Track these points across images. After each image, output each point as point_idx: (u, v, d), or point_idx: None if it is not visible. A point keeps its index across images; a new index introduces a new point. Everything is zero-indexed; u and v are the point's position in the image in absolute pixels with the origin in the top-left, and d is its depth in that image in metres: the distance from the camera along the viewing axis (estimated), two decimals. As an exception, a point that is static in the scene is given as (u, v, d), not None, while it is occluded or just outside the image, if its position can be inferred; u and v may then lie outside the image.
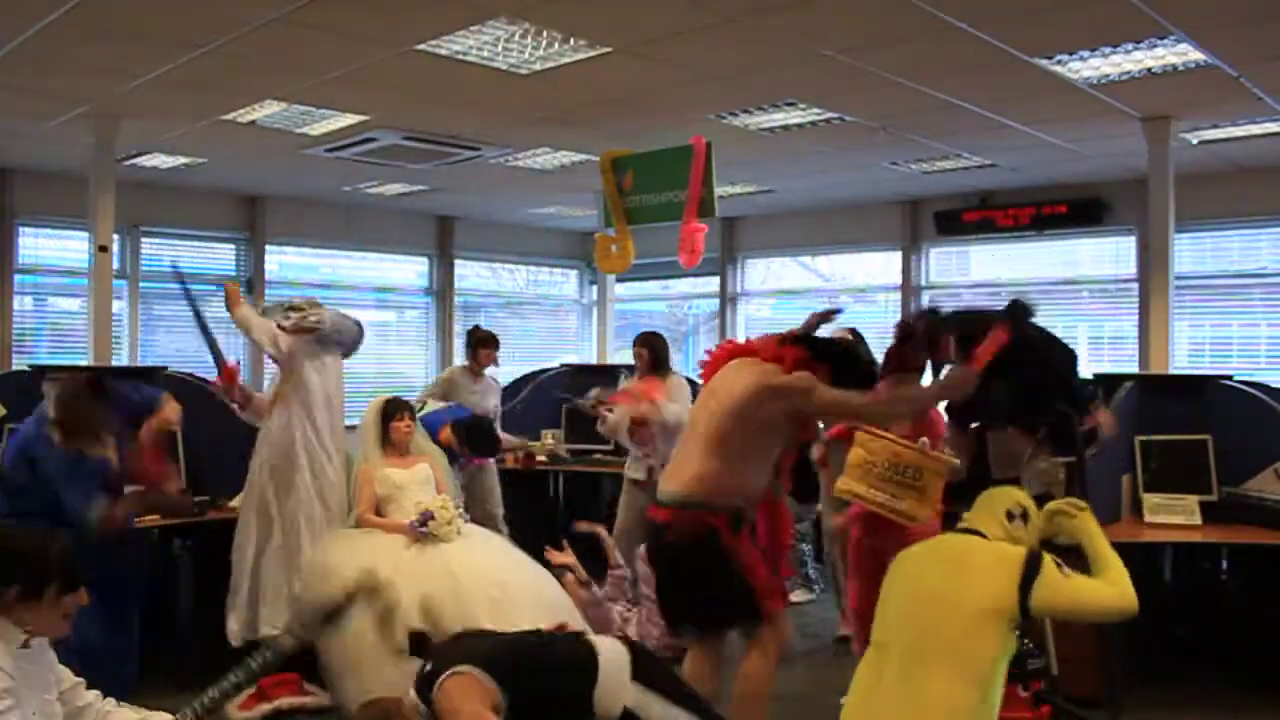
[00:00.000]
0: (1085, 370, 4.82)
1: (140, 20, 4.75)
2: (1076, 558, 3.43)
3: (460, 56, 5.23)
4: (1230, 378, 5.27)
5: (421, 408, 5.51)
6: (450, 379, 6.38)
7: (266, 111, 6.40)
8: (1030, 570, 2.61)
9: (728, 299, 11.15)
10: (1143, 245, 7.87)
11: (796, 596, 6.18)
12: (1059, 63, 5.27)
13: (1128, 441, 4.86)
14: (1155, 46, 5.01)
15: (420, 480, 4.68)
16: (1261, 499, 4.56)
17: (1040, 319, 4.47)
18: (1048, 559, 2.66)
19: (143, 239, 9.20)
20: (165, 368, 5.90)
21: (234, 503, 4.96)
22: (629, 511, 5.93)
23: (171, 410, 4.13)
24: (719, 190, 5.88)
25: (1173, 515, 4.56)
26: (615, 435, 5.94)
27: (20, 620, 2.29)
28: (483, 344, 6.32)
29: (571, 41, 5.04)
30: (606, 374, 7.24)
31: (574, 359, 11.43)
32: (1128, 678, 4.37)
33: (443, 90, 5.94)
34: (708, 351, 3.86)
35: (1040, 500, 3.12)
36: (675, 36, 4.92)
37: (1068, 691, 3.92)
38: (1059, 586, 2.62)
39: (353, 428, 5.01)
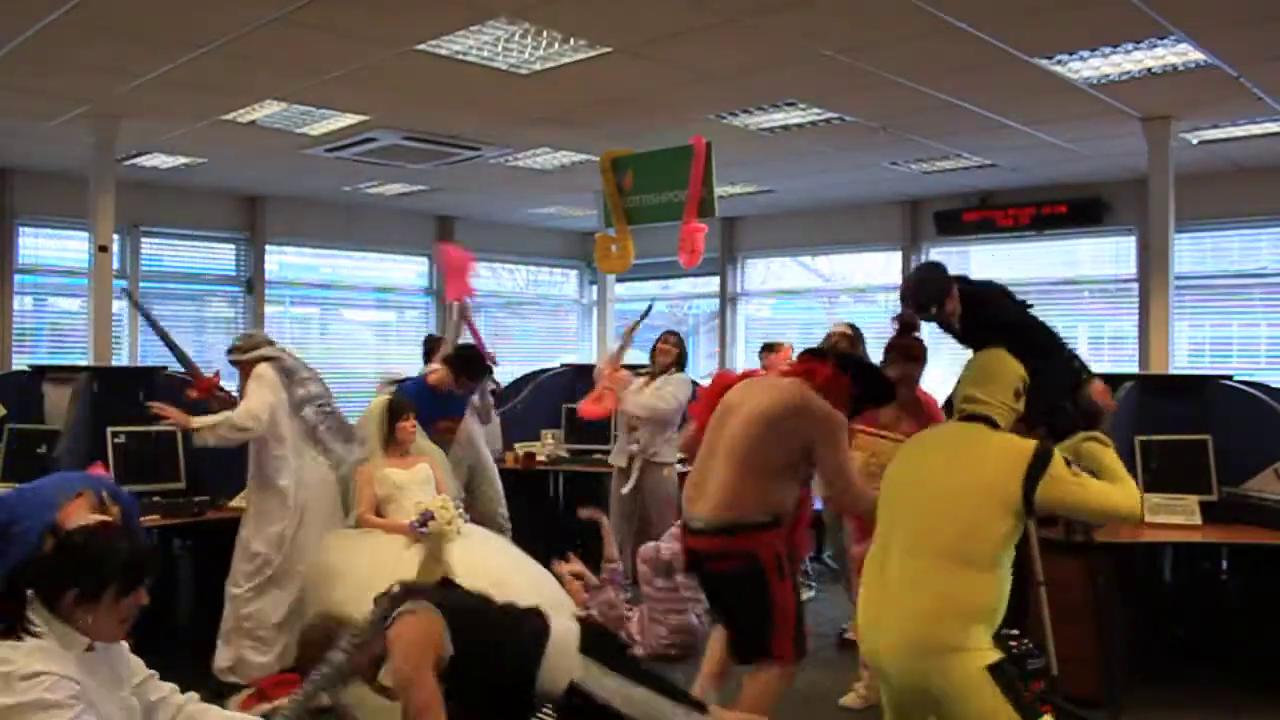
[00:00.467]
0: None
1: (140, 20, 4.75)
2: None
3: (460, 56, 5.24)
4: (1230, 378, 5.27)
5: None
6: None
7: (266, 111, 6.40)
8: (1038, 463, 2.57)
9: (728, 299, 11.15)
10: (1143, 245, 7.87)
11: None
12: (1059, 63, 5.27)
13: (1128, 441, 4.87)
14: (1155, 46, 5.01)
15: (420, 480, 4.68)
16: (1261, 499, 4.56)
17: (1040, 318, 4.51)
18: (1058, 455, 2.62)
19: (143, 239, 9.21)
20: (165, 368, 5.90)
21: (234, 503, 4.96)
22: (618, 502, 5.98)
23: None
24: (719, 190, 5.87)
25: (1173, 515, 4.56)
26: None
27: (81, 624, 2.26)
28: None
29: (571, 41, 5.04)
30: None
31: (574, 359, 11.42)
32: (1128, 678, 4.37)
33: (443, 90, 5.94)
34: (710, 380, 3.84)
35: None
36: (675, 36, 4.92)
37: (1068, 691, 3.91)
38: (1066, 483, 2.58)
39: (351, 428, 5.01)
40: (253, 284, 9.81)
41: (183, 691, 2.55)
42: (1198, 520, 4.52)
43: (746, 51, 5.17)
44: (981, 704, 2.47)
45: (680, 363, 6.01)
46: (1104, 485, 2.64)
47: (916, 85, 5.68)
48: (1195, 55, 5.11)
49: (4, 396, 5.14)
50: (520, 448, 7.10)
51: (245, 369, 4.62)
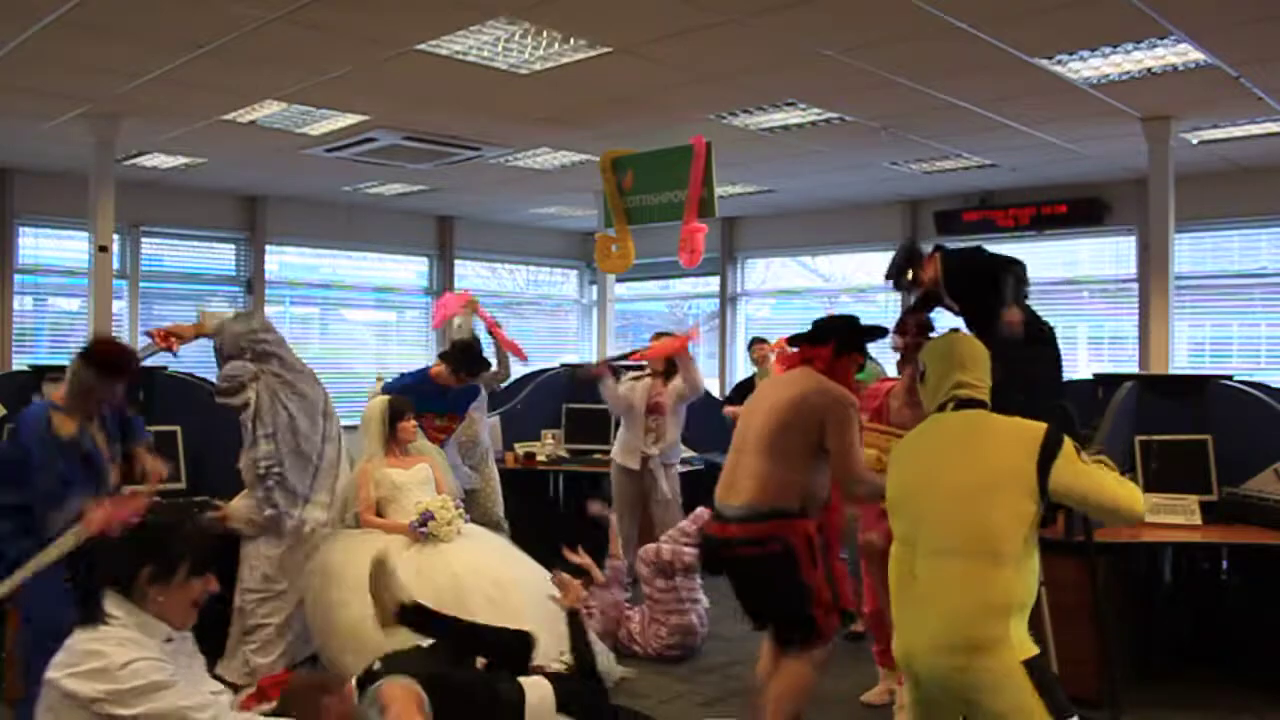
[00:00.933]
0: (1085, 370, 4.84)
1: (140, 20, 4.75)
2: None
3: (460, 56, 5.24)
4: (1230, 378, 5.27)
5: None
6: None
7: (266, 111, 6.40)
8: (1050, 447, 2.54)
9: (728, 299, 11.15)
10: (1143, 245, 7.87)
11: None
12: (1059, 63, 5.27)
13: (1128, 441, 4.87)
14: (1155, 46, 5.01)
15: (420, 480, 4.68)
16: (1261, 499, 4.56)
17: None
18: (1068, 439, 2.59)
19: (143, 239, 9.21)
20: (165, 367, 5.89)
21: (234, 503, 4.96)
22: (622, 501, 5.97)
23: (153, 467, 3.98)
24: (719, 190, 5.87)
25: (1173, 515, 4.56)
26: (616, 401, 6.05)
27: (153, 603, 2.29)
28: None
29: (571, 41, 5.04)
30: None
31: (574, 359, 11.43)
32: (1128, 678, 4.37)
33: (443, 90, 5.94)
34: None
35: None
36: (675, 36, 4.92)
37: (1067, 692, 3.91)
38: (1077, 466, 2.54)
39: (351, 428, 5.00)
40: (253, 284, 9.81)
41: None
42: (1198, 520, 4.52)
43: (746, 51, 5.17)
44: (1018, 700, 2.44)
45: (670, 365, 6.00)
46: (1112, 480, 2.62)
47: (916, 85, 5.68)
48: (1195, 55, 5.11)
49: (4, 396, 5.13)
50: (520, 448, 7.10)
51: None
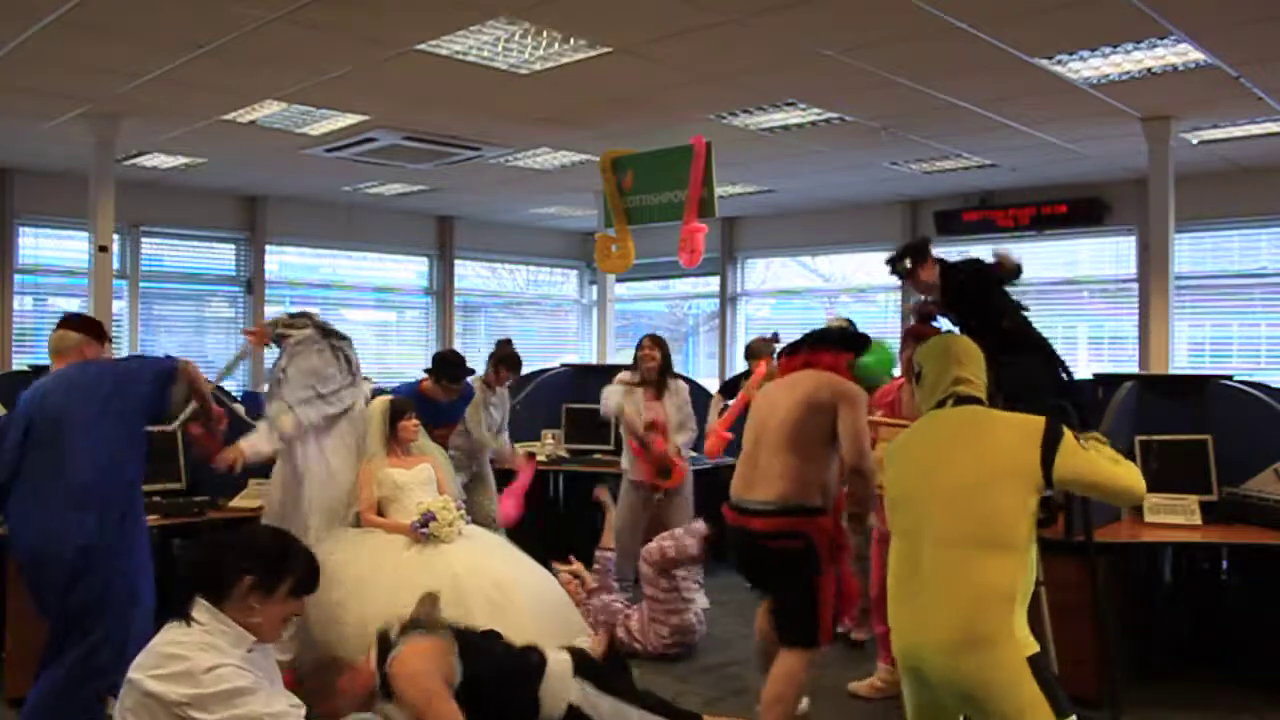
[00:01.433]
0: (1085, 370, 4.85)
1: (140, 20, 4.75)
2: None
3: (460, 56, 5.24)
4: (1230, 378, 5.26)
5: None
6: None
7: (266, 111, 6.40)
8: (1052, 439, 2.55)
9: (728, 299, 11.15)
10: (1143, 245, 7.87)
11: None
12: (1059, 63, 5.27)
13: (1128, 441, 4.87)
14: (1155, 46, 5.01)
15: (422, 481, 4.67)
16: (1261, 499, 4.56)
17: (1041, 319, 4.56)
18: (1067, 430, 2.60)
19: (143, 239, 9.22)
20: (165, 368, 5.88)
21: (234, 503, 4.96)
22: (627, 511, 5.94)
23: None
24: (719, 190, 5.87)
25: (1173, 515, 4.56)
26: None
27: (249, 611, 2.29)
28: (505, 363, 6.06)
29: (571, 41, 5.04)
30: (606, 374, 7.23)
31: (574, 359, 11.44)
32: (1128, 678, 4.37)
33: (443, 90, 5.94)
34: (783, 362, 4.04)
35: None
36: (675, 36, 4.93)
37: (1067, 692, 3.91)
38: (1080, 455, 2.56)
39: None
40: (253, 284, 9.81)
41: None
42: (1198, 520, 4.52)
43: (746, 51, 5.17)
44: (1021, 698, 2.44)
45: (666, 367, 5.90)
46: (1112, 465, 2.63)
47: (916, 85, 5.68)
48: (1195, 55, 5.11)
49: (4, 396, 5.12)
50: (520, 448, 7.09)
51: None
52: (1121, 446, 4.79)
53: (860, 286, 10.51)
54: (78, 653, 3.41)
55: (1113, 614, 4.18)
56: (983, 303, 4.31)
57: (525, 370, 8.00)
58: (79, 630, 3.40)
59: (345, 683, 2.87)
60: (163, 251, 9.48)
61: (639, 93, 5.93)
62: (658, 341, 5.98)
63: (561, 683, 3.07)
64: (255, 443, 4.36)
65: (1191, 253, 8.37)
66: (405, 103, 6.26)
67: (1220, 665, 4.79)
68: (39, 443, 3.50)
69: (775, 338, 6.20)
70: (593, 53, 5.17)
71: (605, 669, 3.34)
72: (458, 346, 11.25)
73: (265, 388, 4.62)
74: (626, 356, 6.43)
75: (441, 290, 11.22)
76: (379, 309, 11.15)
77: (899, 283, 8.21)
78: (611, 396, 5.92)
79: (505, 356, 6.09)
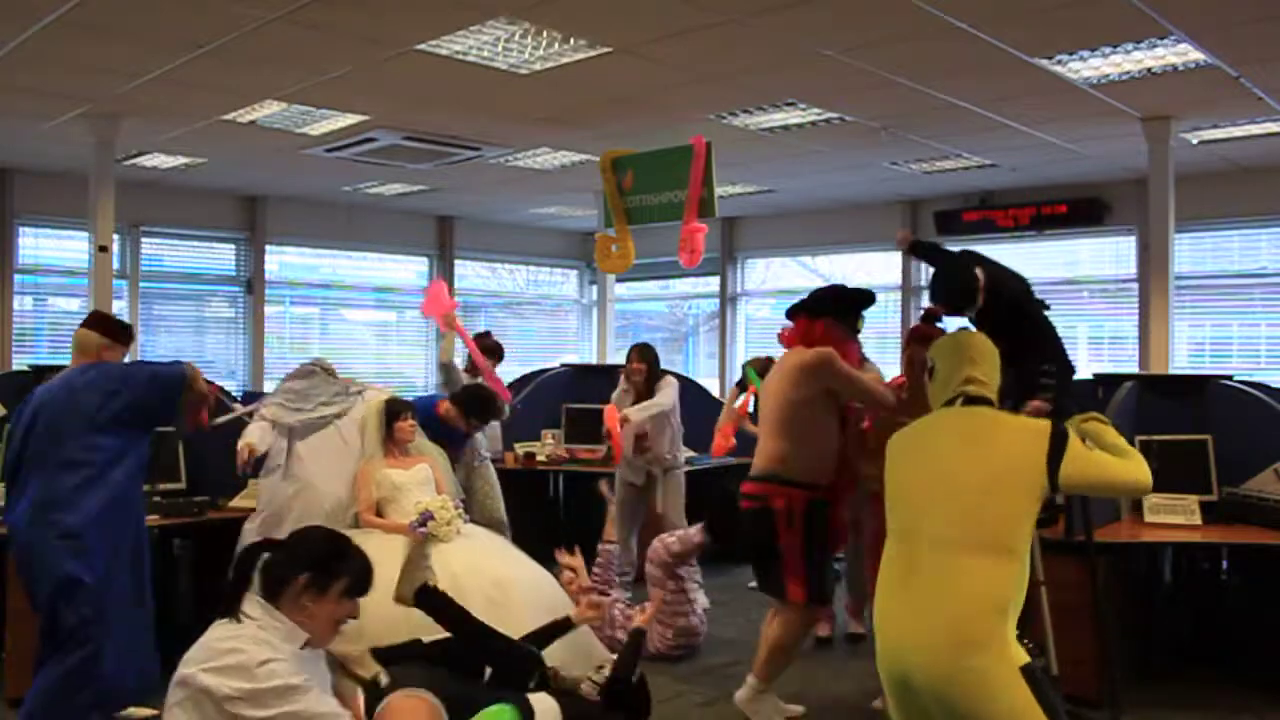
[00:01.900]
0: (1085, 370, 4.85)
1: (140, 20, 4.75)
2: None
3: (460, 56, 5.24)
4: (1230, 378, 5.26)
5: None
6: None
7: (266, 111, 6.40)
8: (1058, 443, 2.54)
9: (728, 299, 11.15)
10: (1143, 245, 7.87)
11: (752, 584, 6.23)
12: (1059, 63, 5.27)
13: (1128, 442, 4.86)
14: (1155, 46, 5.01)
15: (420, 481, 4.67)
16: (1261, 499, 4.56)
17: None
18: (1072, 432, 2.60)
19: (143, 239, 9.22)
20: (165, 368, 5.88)
21: (234, 503, 4.96)
22: (625, 513, 5.95)
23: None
24: (719, 190, 5.86)
25: (1173, 515, 4.56)
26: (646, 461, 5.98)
27: (302, 611, 2.29)
28: (488, 353, 6.14)
29: (571, 41, 5.04)
30: (606, 374, 7.24)
31: (574, 359, 11.43)
32: (1128, 678, 4.37)
33: (443, 90, 5.94)
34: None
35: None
36: (675, 36, 4.93)
37: (1067, 692, 3.91)
38: (1086, 459, 2.56)
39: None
40: (253, 284, 9.82)
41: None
42: (1198, 520, 4.52)
43: (746, 51, 5.17)
44: (1009, 709, 2.40)
45: (652, 374, 5.93)
46: (1118, 460, 2.63)
47: (916, 85, 5.68)
48: (1195, 55, 5.11)
49: (4, 396, 5.13)
50: (520, 448, 7.09)
51: None
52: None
53: (860, 286, 10.49)
54: (79, 655, 3.42)
55: (1113, 614, 4.18)
56: (1017, 313, 4.30)
57: (525, 370, 8.03)
58: (71, 635, 3.42)
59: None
60: (163, 251, 9.48)
61: (639, 93, 5.93)
62: (644, 355, 5.99)
63: None
64: (257, 434, 4.48)
65: (1191, 253, 8.37)
66: (405, 103, 6.26)
67: (1220, 665, 4.79)
68: (36, 444, 3.53)
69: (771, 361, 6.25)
70: (593, 53, 5.17)
71: (589, 709, 3.31)
72: (458, 346, 11.25)
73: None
74: (616, 357, 6.43)
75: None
76: (379, 309, 11.15)
77: (899, 282, 8.27)
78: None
79: (490, 347, 6.14)
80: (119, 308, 8.51)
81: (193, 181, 8.84)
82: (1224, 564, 5.01)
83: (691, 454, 6.72)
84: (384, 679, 3.03)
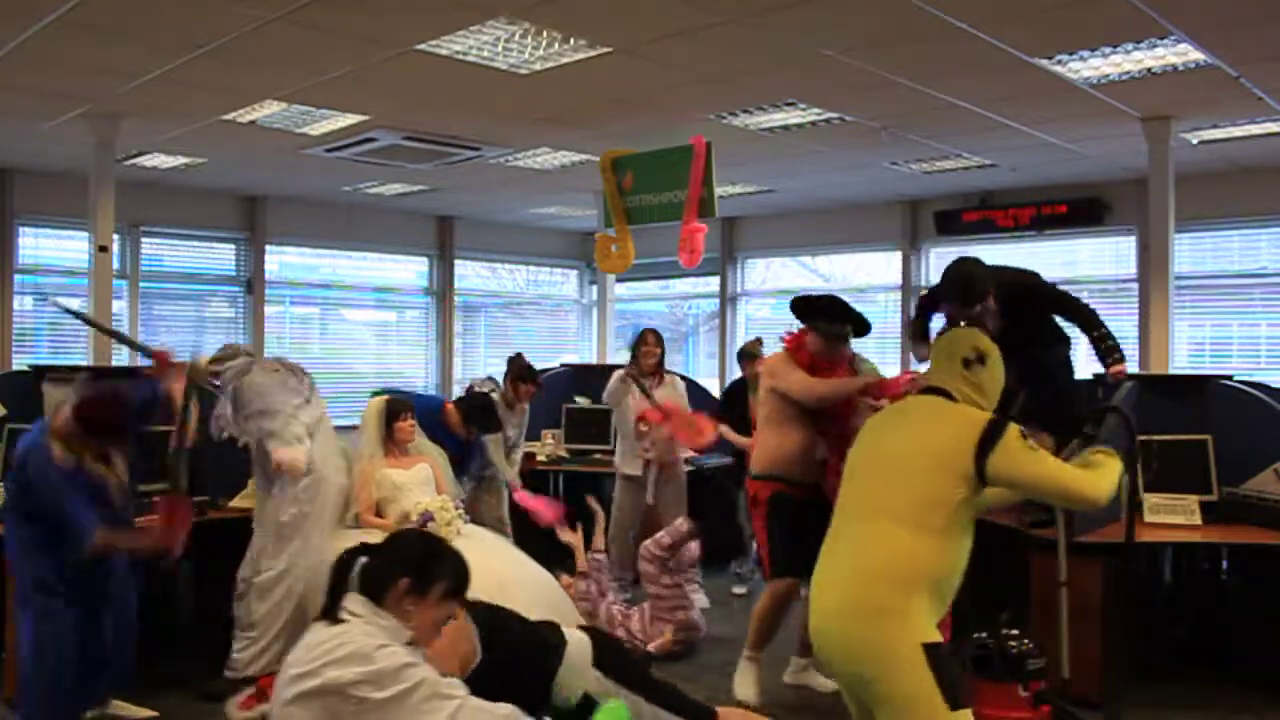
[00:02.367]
0: (1085, 370, 4.86)
1: (140, 20, 4.75)
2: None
3: (460, 56, 5.24)
4: (1230, 378, 5.27)
5: None
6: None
7: (266, 111, 6.40)
8: (990, 434, 2.52)
9: (728, 299, 11.15)
10: (1143, 245, 7.87)
11: (736, 590, 6.26)
12: (1059, 63, 5.27)
13: (1130, 441, 4.86)
14: (1155, 46, 5.01)
15: (420, 481, 4.68)
16: (1261, 499, 4.56)
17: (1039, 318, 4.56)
18: (1013, 428, 2.56)
19: (143, 239, 9.22)
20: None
21: (234, 503, 4.96)
22: (626, 508, 5.96)
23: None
24: (719, 190, 5.87)
25: (1173, 515, 4.56)
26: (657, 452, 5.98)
27: (405, 615, 2.31)
28: (521, 379, 6.06)
29: (571, 41, 5.04)
30: (606, 374, 7.24)
31: (574, 359, 11.43)
32: (1128, 678, 4.37)
33: (443, 90, 5.94)
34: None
35: None
36: (675, 36, 4.92)
37: (1068, 692, 3.91)
38: (1020, 456, 2.51)
39: (352, 428, 5.00)
40: (253, 284, 9.82)
41: (186, 690, 2.57)
42: (1198, 520, 4.52)
43: (746, 51, 5.17)
44: (907, 684, 2.38)
45: (662, 362, 6.03)
46: (1063, 466, 2.58)
47: (916, 85, 5.68)
48: (1195, 55, 5.11)
49: (4, 396, 5.13)
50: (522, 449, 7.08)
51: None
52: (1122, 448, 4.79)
53: (860, 286, 10.50)
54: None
55: (1113, 614, 4.18)
56: (1033, 324, 4.36)
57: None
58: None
59: None
60: (163, 251, 9.48)
61: (639, 93, 5.93)
62: (660, 338, 6.09)
63: (579, 670, 3.00)
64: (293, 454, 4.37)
65: (1191, 253, 8.37)
66: (405, 103, 6.26)
67: (1220, 665, 4.79)
68: None
69: (760, 342, 6.30)
70: (593, 53, 5.17)
71: (624, 659, 3.29)
72: (458, 346, 11.28)
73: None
74: (627, 357, 6.43)
75: (441, 290, 11.23)
76: (379, 309, 11.15)
77: (899, 282, 8.27)
78: (612, 387, 6.04)
79: (523, 372, 6.04)
80: (119, 308, 8.52)
81: (193, 181, 8.84)
82: (1224, 564, 5.02)
83: (691, 454, 6.72)
84: None
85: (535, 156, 7.83)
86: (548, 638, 3.09)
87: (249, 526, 4.57)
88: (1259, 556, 4.58)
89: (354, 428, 4.97)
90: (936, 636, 2.46)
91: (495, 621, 3.00)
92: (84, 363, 6.88)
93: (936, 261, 9.84)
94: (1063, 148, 7.24)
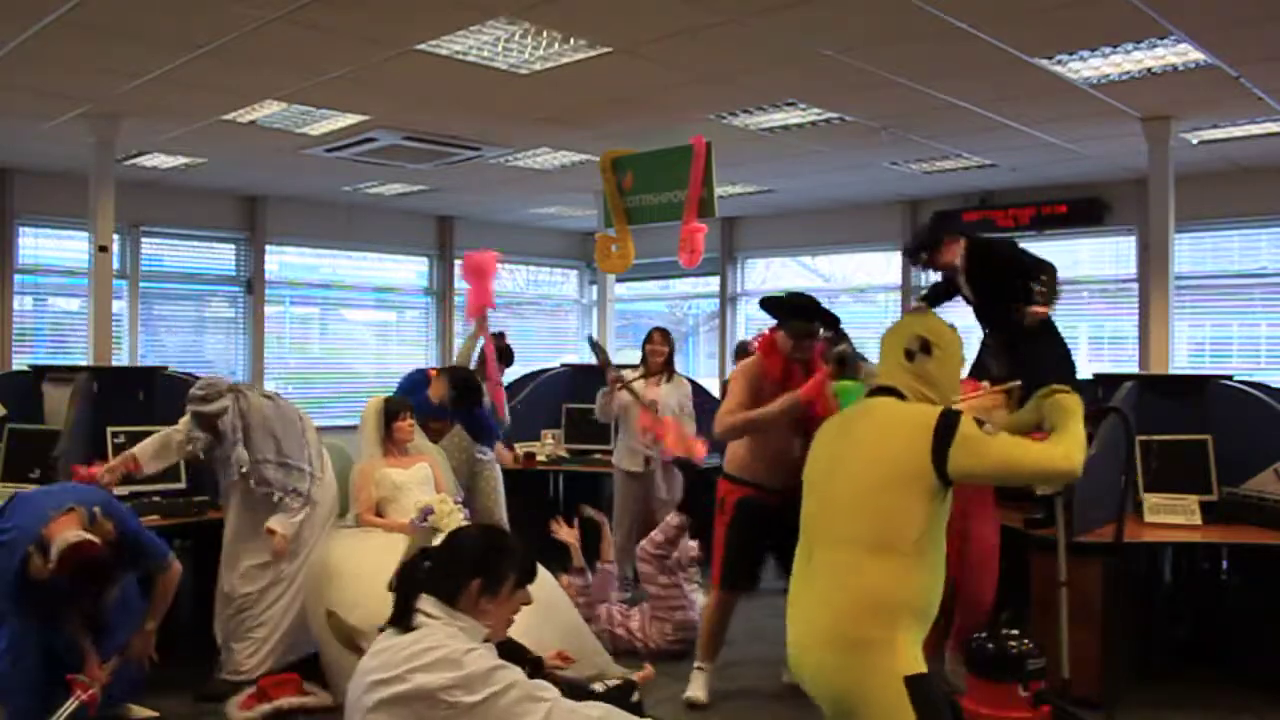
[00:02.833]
0: (1085, 370, 4.88)
1: (140, 20, 4.75)
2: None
3: (460, 56, 5.24)
4: (1230, 378, 5.26)
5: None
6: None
7: (266, 111, 6.40)
8: (944, 428, 2.36)
9: (728, 299, 11.15)
10: (1143, 245, 7.87)
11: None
12: (1059, 63, 5.27)
13: (1127, 441, 4.86)
14: (1155, 46, 5.01)
15: (420, 480, 4.68)
16: (1261, 499, 4.56)
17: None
18: (965, 417, 2.40)
19: (143, 239, 9.22)
20: (165, 368, 5.90)
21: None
22: (626, 504, 5.96)
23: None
24: (719, 190, 5.87)
25: (1173, 515, 4.56)
26: (607, 412, 6.03)
27: (481, 614, 2.33)
28: (500, 355, 6.16)
29: (571, 41, 5.04)
30: (606, 374, 7.23)
31: (574, 359, 11.42)
32: (1128, 678, 4.37)
33: (443, 90, 5.94)
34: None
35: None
36: (675, 36, 4.92)
37: (1068, 692, 3.91)
38: (979, 445, 2.35)
39: (351, 428, 5.00)
40: (253, 284, 9.81)
41: (187, 690, 2.57)
42: (1198, 520, 4.52)
43: (746, 51, 5.17)
44: (887, 715, 2.30)
45: (670, 360, 6.01)
46: (1027, 443, 2.42)
47: (916, 85, 5.68)
48: (1195, 55, 5.11)
49: (4, 396, 5.13)
50: (520, 448, 7.09)
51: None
52: (1121, 447, 4.79)
53: (860, 286, 10.50)
54: None
55: (1113, 614, 4.18)
56: (1005, 276, 4.40)
57: (525, 370, 8.02)
58: None
59: None
60: (163, 251, 9.48)
61: (639, 93, 5.93)
62: (667, 336, 6.07)
63: None
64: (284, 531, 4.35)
65: (1191, 253, 8.36)
66: (405, 103, 6.26)
67: (1220, 665, 4.79)
68: None
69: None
70: (593, 53, 5.17)
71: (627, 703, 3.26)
72: (458, 346, 11.26)
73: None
74: (627, 357, 6.43)
75: (441, 290, 11.23)
76: (379, 309, 11.15)
77: (899, 282, 8.33)
78: (600, 405, 6.04)
79: (498, 351, 6.14)
80: (119, 308, 8.51)
81: (193, 181, 8.84)
82: (1224, 564, 5.01)
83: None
84: None
85: (535, 156, 7.83)
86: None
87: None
88: (1259, 556, 4.58)
89: (353, 428, 4.98)
90: (921, 667, 2.34)
91: None
92: (84, 362, 6.88)
93: (936, 261, 9.84)
94: (1063, 148, 7.24)
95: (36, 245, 8.75)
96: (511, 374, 7.80)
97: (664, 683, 4.51)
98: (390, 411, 4.78)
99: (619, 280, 10.80)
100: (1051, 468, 2.39)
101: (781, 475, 4.01)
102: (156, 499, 4.91)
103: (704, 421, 6.42)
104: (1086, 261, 9.14)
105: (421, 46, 5.08)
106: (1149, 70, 5.36)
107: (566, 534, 5.21)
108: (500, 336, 6.33)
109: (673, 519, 5.18)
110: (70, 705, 3.45)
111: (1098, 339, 9.05)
